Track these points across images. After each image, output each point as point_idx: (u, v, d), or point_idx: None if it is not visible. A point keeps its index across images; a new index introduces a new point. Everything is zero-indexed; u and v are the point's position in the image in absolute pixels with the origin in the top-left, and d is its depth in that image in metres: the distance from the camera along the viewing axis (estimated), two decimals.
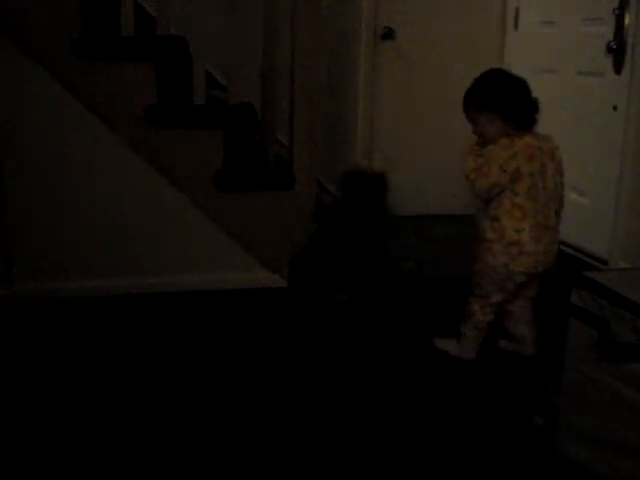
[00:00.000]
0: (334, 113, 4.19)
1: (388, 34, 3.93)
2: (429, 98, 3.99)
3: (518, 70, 3.87)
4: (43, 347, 2.65)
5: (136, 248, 3.12)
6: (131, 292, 3.06)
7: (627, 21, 3.25)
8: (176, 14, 3.16)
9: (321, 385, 2.42)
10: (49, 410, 2.22)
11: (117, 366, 2.51)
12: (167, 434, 2.11)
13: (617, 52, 3.30)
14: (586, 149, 3.46)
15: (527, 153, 2.39)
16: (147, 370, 2.49)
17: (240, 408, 2.26)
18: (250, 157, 3.29)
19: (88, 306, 2.97)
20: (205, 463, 1.98)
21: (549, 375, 2.24)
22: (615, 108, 3.31)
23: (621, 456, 1.85)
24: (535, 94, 3.72)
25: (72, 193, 3.05)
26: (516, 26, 3.99)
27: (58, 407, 2.24)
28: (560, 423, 2.04)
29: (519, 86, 2.49)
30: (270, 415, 2.22)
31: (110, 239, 3.09)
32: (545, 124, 3.65)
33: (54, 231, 3.05)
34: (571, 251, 3.48)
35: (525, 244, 2.40)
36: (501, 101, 2.44)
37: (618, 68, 3.31)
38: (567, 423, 2.01)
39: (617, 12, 3.29)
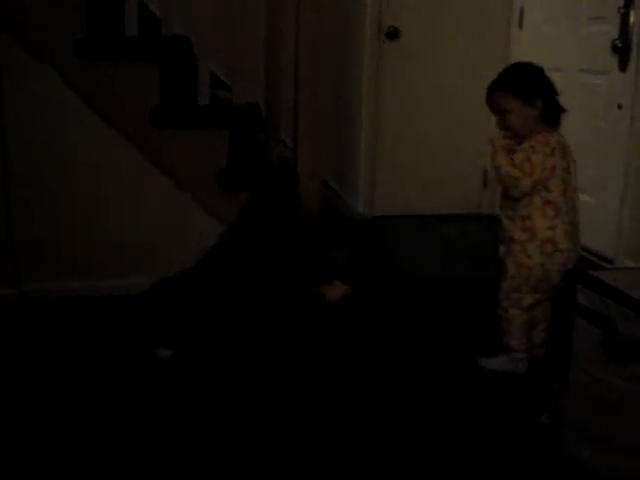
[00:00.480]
0: (339, 113, 4.19)
1: (393, 33, 3.92)
2: (434, 98, 3.99)
3: None
4: (50, 346, 2.65)
5: (141, 247, 3.11)
6: (137, 291, 3.06)
7: (632, 19, 3.24)
8: (180, 14, 3.15)
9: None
10: (54, 409, 2.22)
11: (123, 364, 2.51)
12: (162, 432, 2.12)
13: (622, 51, 3.29)
14: (591, 147, 3.44)
15: (559, 150, 2.41)
16: (151, 368, 2.49)
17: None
18: (254, 157, 3.29)
19: (95, 305, 2.97)
20: (206, 463, 1.98)
21: (555, 375, 2.23)
22: (620, 107, 3.30)
23: (626, 456, 1.85)
24: None
25: (77, 193, 3.05)
26: (521, 25, 3.98)
27: (64, 406, 2.24)
28: (566, 423, 2.04)
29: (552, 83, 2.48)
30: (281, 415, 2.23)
31: (116, 238, 3.09)
32: None
33: (60, 230, 3.05)
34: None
35: (559, 241, 2.39)
36: (546, 93, 2.43)
37: (623, 67, 3.30)
38: (573, 423, 2.01)
39: (622, 11, 3.28)
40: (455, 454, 2.05)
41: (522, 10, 3.98)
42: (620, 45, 3.29)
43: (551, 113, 2.43)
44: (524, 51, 3.93)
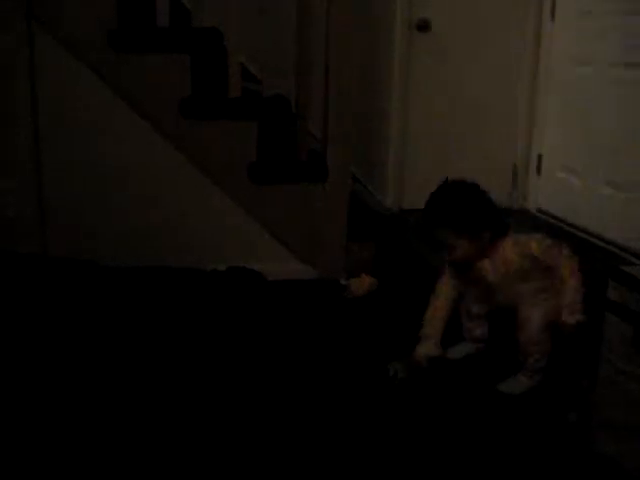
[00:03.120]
0: (368, 106, 4.18)
1: (423, 25, 3.90)
2: (464, 90, 3.96)
3: (555, 62, 3.87)
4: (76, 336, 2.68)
5: (170, 238, 3.14)
6: None
7: None
8: (211, 6, 3.16)
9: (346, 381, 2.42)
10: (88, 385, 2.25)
11: (143, 355, 2.53)
12: (162, 432, 2.10)
13: None
14: (621, 142, 3.41)
15: None
16: (172, 359, 2.50)
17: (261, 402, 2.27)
18: (284, 149, 3.30)
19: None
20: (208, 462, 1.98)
21: (584, 371, 2.22)
22: None
23: None
24: (572, 86, 3.72)
25: (107, 183, 3.08)
26: (553, 17, 3.94)
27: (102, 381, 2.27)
28: (595, 419, 2.02)
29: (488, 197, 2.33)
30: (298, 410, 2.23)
31: (145, 229, 3.12)
32: (582, 117, 3.62)
33: (90, 221, 3.09)
34: (606, 245, 3.44)
35: None
36: (491, 219, 2.29)
37: None
38: (603, 419, 2.00)
39: None
40: (482, 451, 2.05)
41: (554, 2, 3.94)
42: None
43: (500, 231, 2.30)
44: (556, 44, 3.90)
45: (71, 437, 2.03)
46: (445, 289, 2.45)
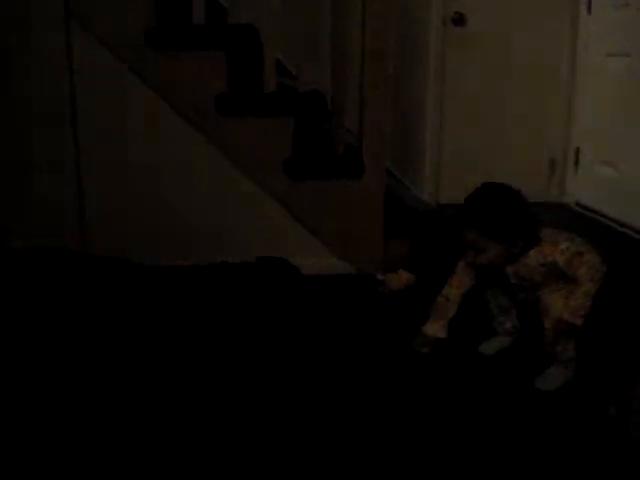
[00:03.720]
0: (404, 100, 4.17)
1: (459, 19, 3.88)
2: (500, 84, 3.94)
3: (591, 55, 3.83)
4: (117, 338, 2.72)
5: (208, 235, 3.16)
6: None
7: None
8: (247, 2, 3.18)
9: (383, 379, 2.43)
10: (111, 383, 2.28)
11: (177, 356, 2.55)
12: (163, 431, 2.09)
13: None
14: None
15: None
16: (211, 356, 2.52)
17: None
18: (319, 145, 3.30)
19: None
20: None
21: (624, 364, 2.20)
22: None
23: None
24: (609, 78, 3.68)
25: (145, 182, 3.11)
26: (589, 10, 3.90)
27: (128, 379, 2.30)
28: (636, 413, 2.01)
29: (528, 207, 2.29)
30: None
31: (182, 226, 3.15)
32: (619, 109, 3.58)
33: (128, 220, 3.13)
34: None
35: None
36: (527, 228, 2.25)
37: None
38: None
39: None
40: (523, 446, 2.04)
41: None
42: None
43: (531, 241, 2.25)
44: (592, 36, 3.86)
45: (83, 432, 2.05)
46: (463, 274, 2.43)
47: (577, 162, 3.98)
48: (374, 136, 3.17)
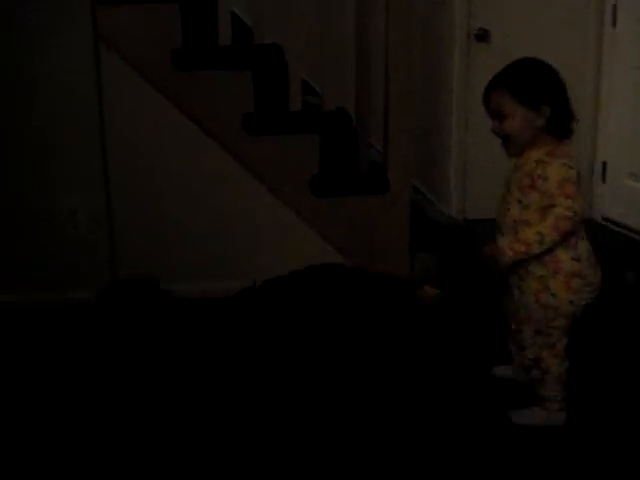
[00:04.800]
0: (429, 116, 4.18)
1: (483, 35, 3.89)
2: None
3: (617, 68, 3.82)
4: (145, 347, 2.74)
5: (233, 252, 3.18)
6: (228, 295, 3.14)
7: None
8: (272, 22, 3.21)
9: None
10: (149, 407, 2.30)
11: (215, 366, 2.57)
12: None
13: None
14: None
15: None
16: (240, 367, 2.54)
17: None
18: (345, 161, 3.32)
19: (188, 308, 3.05)
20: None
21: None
22: None
23: None
24: (635, 92, 3.66)
25: (172, 199, 3.14)
26: (614, 24, 3.89)
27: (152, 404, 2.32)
28: None
29: (564, 86, 2.14)
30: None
31: (209, 243, 3.17)
32: None
33: (155, 235, 3.15)
34: None
35: (587, 274, 2.10)
36: (556, 98, 2.10)
37: None
38: None
39: None
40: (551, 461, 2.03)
41: (615, 8, 3.89)
42: None
43: (560, 123, 2.12)
44: (618, 50, 3.85)
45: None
46: None
47: (604, 176, 3.96)
48: (399, 152, 3.18)
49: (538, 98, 2.09)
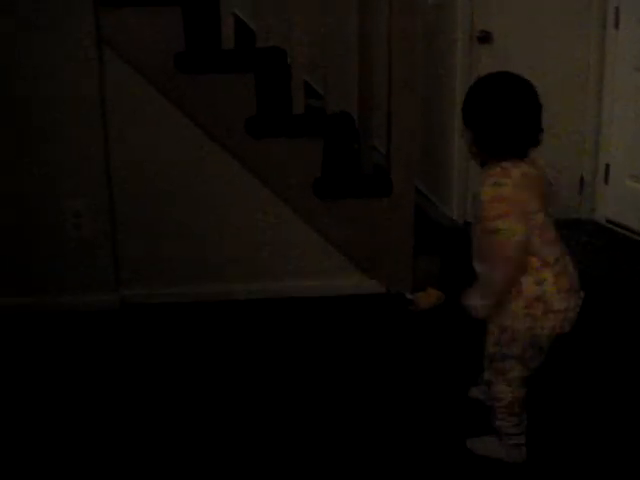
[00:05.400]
0: (431, 119, 4.18)
1: (485, 37, 3.90)
2: None
3: (619, 70, 3.82)
4: (149, 351, 2.74)
5: (237, 254, 3.18)
6: (235, 298, 3.14)
7: None
8: (274, 25, 3.21)
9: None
10: (151, 411, 2.30)
11: (219, 371, 2.58)
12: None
13: None
14: None
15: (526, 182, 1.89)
16: (248, 373, 2.54)
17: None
18: (348, 164, 3.32)
19: (193, 311, 3.06)
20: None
21: None
22: None
23: None
24: (638, 93, 3.65)
25: (175, 202, 3.14)
26: (617, 25, 3.90)
27: (160, 409, 2.32)
28: None
29: (514, 102, 1.95)
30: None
31: (212, 245, 3.17)
32: None
33: (159, 237, 3.15)
34: None
35: (552, 300, 1.86)
36: (483, 123, 1.91)
37: None
38: None
39: None
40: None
41: (617, 10, 3.90)
42: None
43: (487, 144, 1.91)
44: (620, 51, 3.86)
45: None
46: None
47: (607, 179, 3.96)
48: (402, 155, 3.18)
49: (466, 120, 1.95)
